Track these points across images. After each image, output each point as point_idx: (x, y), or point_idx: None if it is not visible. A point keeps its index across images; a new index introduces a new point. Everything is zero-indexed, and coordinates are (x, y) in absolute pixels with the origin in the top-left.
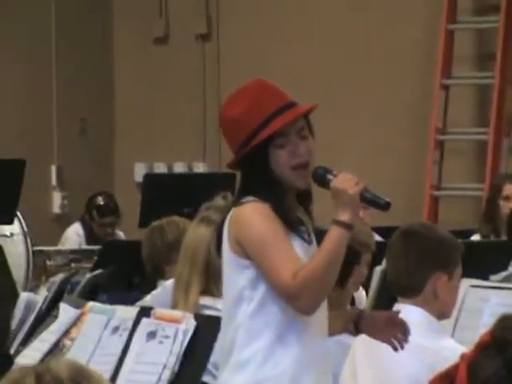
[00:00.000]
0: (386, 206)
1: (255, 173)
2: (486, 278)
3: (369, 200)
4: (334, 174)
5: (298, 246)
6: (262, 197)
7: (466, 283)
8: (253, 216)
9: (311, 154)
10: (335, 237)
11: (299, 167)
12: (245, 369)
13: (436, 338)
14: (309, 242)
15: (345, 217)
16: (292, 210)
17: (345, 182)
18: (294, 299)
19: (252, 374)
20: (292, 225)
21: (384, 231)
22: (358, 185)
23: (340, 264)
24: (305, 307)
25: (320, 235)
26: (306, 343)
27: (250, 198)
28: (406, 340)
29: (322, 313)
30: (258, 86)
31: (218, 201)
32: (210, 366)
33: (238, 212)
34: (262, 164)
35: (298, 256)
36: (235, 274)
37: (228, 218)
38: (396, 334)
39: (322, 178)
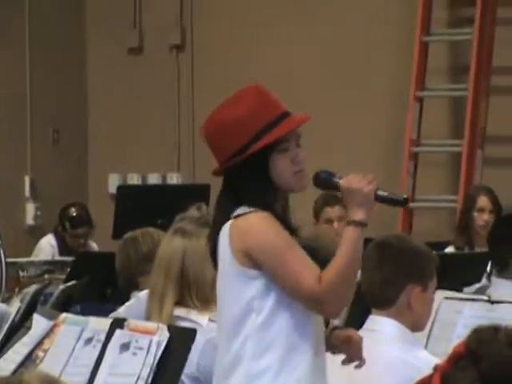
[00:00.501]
0: (404, 202)
1: (255, 178)
2: (459, 290)
3: (384, 198)
4: (339, 176)
5: None
6: (259, 205)
7: (439, 295)
8: (261, 225)
9: (306, 161)
10: (353, 237)
11: (299, 172)
12: (260, 381)
13: (410, 350)
14: None
15: (360, 216)
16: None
17: (357, 181)
18: (322, 303)
19: None
20: (295, 231)
21: None
22: (371, 184)
23: (360, 263)
24: (333, 310)
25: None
26: (317, 349)
27: (247, 209)
28: (359, 362)
29: (321, 321)
30: (259, 90)
31: (192, 212)
32: (184, 378)
33: (242, 223)
34: (263, 169)
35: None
36: (242, 286)
37: (226, 230)
38: (351, 354)
39: (327, 182)
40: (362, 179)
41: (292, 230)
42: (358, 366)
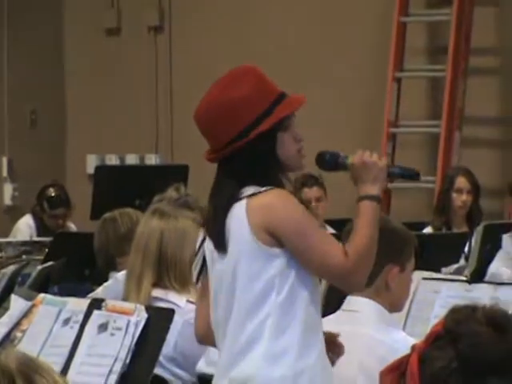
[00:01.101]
0: (413, 176)
1: (263, 158)
2: (437, 271)
3: (396, 172)
4: (343, 155)
5: None
6: (273, 183)
7: (417, 275)
8: (283, 202)
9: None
10: (370, 210)
11: (300, 151)
12: (281, 360)
13: (388, 331)
14: None
15: (376, 191)
16: None
17: (369, 156)
18: (351, 276)
19: (291, 366)
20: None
21: (336, 223)
22: (382, 159)
23: (378, 235)
24: (360, 282)
25: None
26: (321, 330)
27: (259, 188)
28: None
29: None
30: (256, 71)
31: (171, 193)
32: (161, 359)
33: (263, 200)
34: (272, 147)
35: None
36: (262, 265)
37: (242, 210)
38: (331, 355)
39: (334, 161)
40: (372, 154)
41: (305, 206)
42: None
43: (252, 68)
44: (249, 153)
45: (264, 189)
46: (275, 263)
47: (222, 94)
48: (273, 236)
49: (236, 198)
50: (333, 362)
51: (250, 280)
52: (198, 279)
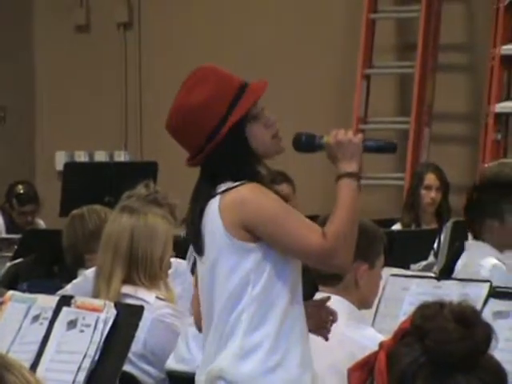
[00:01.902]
0: (390, 148)
1: (237, 152)
2: (406, 268)
3: (373, 147)
4: (319, 136)
5: None
6: (247, 176)
7: (386, 272)
8: (254, 195)
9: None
10: (349, 188)
11: (275, 136)
12: (252, 356)
13: (356, 327)
14: None
15: (353, 167)
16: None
17: (344, 134)
18: (332, 257)
19: (261, 362)
20: (283, 198)
21: None
22: (357, 135)
23: (359, 214)
24: (342, 263)
25: None
26: (302, 325)
27: (232, 184)
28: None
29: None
30: (213, 69)
31: (140, 189)
32: (131, 355)
33: (234, 196)
34: (243, 140)
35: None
36: (237, 260)
37: (214, 206)
38: (325, 322)
39: (310, 142)
40: (347, 131)
41: (282, 197)
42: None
43: (210, 68)
44: (222, 152)
45: (236, 184)
46: (250, 258)
47: (185, 101)
48: (247, 230)
49: (210, 196)
50: (327, 330)
51: (226, 276)
52: (193, 270)
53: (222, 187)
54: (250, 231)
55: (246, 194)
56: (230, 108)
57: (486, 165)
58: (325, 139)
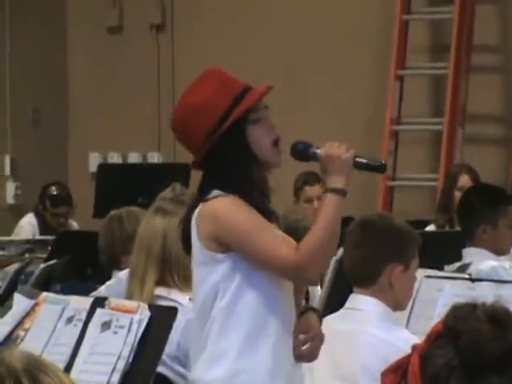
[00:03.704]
0: (379, 168)
1: (234, 155)
2: (440, 269)
3: (362, 164)
4: (316, 146)
5: None
6: (236, 184)
7: (420, 273)
8: (227, 210)
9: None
10: (332, 204)
11: (277, 142)
12: (220, 361)
13: (390, 329)
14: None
15: (340, 183)
16: (262, 193)
17: (336, 148)
18: (302, 271)
19: (228, 366)
20: (270, 213)
21: None
22: (349, 151)
23: (339, 231)
24: (312, 277)
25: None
26: (282, 334)
27: (218, 193)
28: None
29: (291, 305)
30: (217, 71)
31: (167, 192)
32: (164, 357)
33: (208, 209)
34: (242, 142)
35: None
36: (208, 270)
37: (195, 214)
38: (313, 349)
39: (305, 152)
40: (340, 146)
41: (266, 212)
42: (309, 361)
43: (215, 71)
44: (219, 154)
45: (213, 195)
46: (219, 269)
47: (186, 101)
48: (218, 242)
49: (200, 201)
50: (302, 355)
51: (198, 285)
52: None
53: (211, 194)
54: (222, 244)
55: (219, 208)
56: (231, 109)
57: None
58: (319, 150)
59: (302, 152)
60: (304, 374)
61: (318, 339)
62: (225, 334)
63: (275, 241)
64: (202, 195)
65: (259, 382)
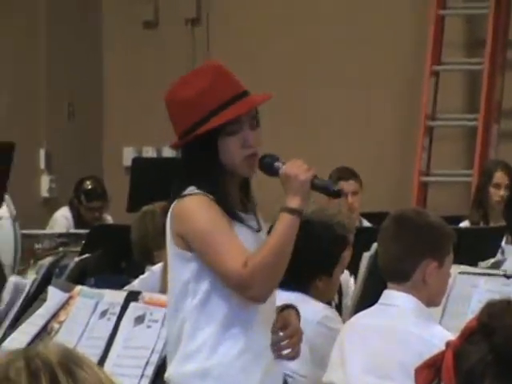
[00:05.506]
0: (336, 193)
1: (201, 160)
2: (474, 265)
3: (320, 186)
4: (282, 161)
5: (245, 235)
6: (205, 186)
7: (454, 270)
8: (194, 209)
9: (259, 144)
10: (286, 223)
11: (249, 157)
12: (193, 359)
13: (425, 326)
14: (257, 230)
15: (295, 203)
16: (235, 199)
17: (295, 167)
18: (246, 288)
19: (200, 363)
20: (236, 214)
21: (373, 216)
22: (308, 171)
23: (291, 250)
24: (257, 295)
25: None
26: (253, 334)
27: (192, 189)
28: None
29: (271, 302)
30: (214, 69)
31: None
32: None
33: (179, 206)
34: (211, 150)
35: (244, 246)
36: (179, 268)
37: (170, 210)
38: (293, 346)
39: (269, 167)
40: (300, 166)
41: (235, 216)
42: (290, 358)
43: (213, 67)
44: (191, 152)
45: (188, 192)
46: (189, 267)
47: (175, 91)
48: (185, 241)
49: (174, 198)
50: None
51: (171, 281)
52: None
53: (187, 190)
54: (187, 243)
55: (185, 206)
56: (212, 114)
57: None
58: (283, 166)
59: (267, 166)
60: (281, 371)
61: (298, 336)
62: (196, 332)
63: (229, 251)
64: (178, 190)
65: (232, 378)
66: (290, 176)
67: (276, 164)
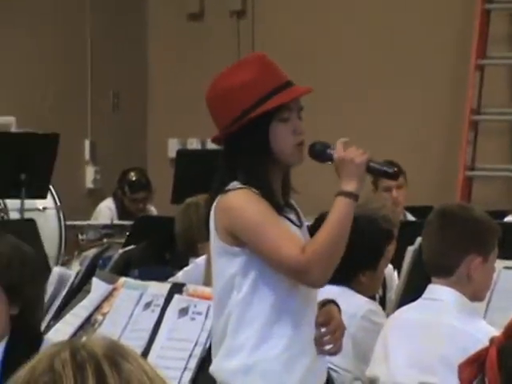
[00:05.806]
0: (394, 175)
1: (248, 149)
2: None
3: (376, 168)
4: (333, 147)
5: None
6: (250, 180)
7: (499, 264)
8: (241, 203)
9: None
10: (342, 207)
11: (299, 145)
12: (238, 354)
13: (470, 320)
14: (299, 225)
15: (351, 187)
16: (279, 192)
17: (350, 152)
18: (305, 273)
19: (246, 358)
20: (281, 208)
21: (417, 211)
22: (363, 154)
23: (348, 234)
24: (315, 280)
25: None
26: (300, 327)
27: (235, 184)
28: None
29: (315, 296)
30: (259, 59)
31: None
32: None
33: (225, 201)
34: (262, 137)
35: (297, 235)
36: (225, 263)
37: (214, 205)
38: (335, 341)
39: (321, 153)
40: (354, 150)
41: (279, 209)
42: (332, 353)
43: (259, 56)
44: (235, 144)
45: (231, 187)
46: (236, 262)
47: (223, 79)
48: (233, 236)
49: (217, 194)
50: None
51: (216, 277)
52: None
53: (230, 185)
54: (236, 237)
55: (232, 201)
56: (263, 100)
57: None
58: (335, 151)
59: (319, 153)
60: (324, 367)
61: (340, 331)
62: (241, 327)
63: (282, 238)
64: (222, 186)
65: (275, 374)
66: (346, 160)
67: (329, 150)
